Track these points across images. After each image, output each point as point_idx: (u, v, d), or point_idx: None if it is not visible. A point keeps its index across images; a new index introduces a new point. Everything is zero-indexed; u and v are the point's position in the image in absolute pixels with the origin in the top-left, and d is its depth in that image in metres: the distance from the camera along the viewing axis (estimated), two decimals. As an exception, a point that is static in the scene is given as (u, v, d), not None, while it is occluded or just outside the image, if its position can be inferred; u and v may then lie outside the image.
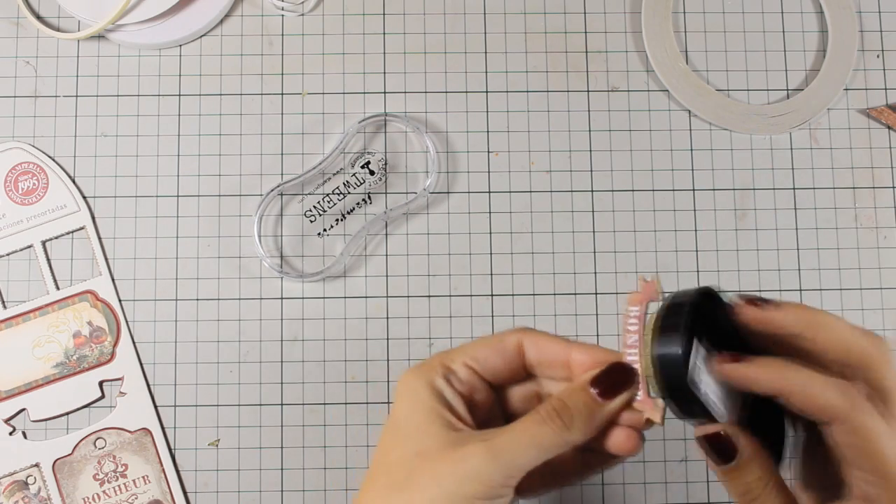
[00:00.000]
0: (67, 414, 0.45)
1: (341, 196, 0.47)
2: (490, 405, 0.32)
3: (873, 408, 0.27)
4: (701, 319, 0.28)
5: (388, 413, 0.32)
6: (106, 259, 0.47)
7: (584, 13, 0.49)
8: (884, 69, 0.49)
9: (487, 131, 0.48)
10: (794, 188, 0.48)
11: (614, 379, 0.29)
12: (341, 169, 0.47)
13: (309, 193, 0.47)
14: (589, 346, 0.31)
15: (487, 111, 0.48)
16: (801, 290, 0.47)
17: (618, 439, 0.31)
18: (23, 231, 0.46)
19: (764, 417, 0.30)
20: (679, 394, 0.28)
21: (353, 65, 0.49)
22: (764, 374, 0.28)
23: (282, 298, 0.47)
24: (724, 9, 0.50)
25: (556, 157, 0.48)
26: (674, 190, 0.48)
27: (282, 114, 0.48)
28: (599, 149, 0.48)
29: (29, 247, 0.46)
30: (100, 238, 0.47)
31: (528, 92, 0.49)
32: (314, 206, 0.47)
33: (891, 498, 0.27)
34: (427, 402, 0.30)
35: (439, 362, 0.31)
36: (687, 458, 0.46)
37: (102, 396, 0.46)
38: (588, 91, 0.49)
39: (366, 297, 0.47)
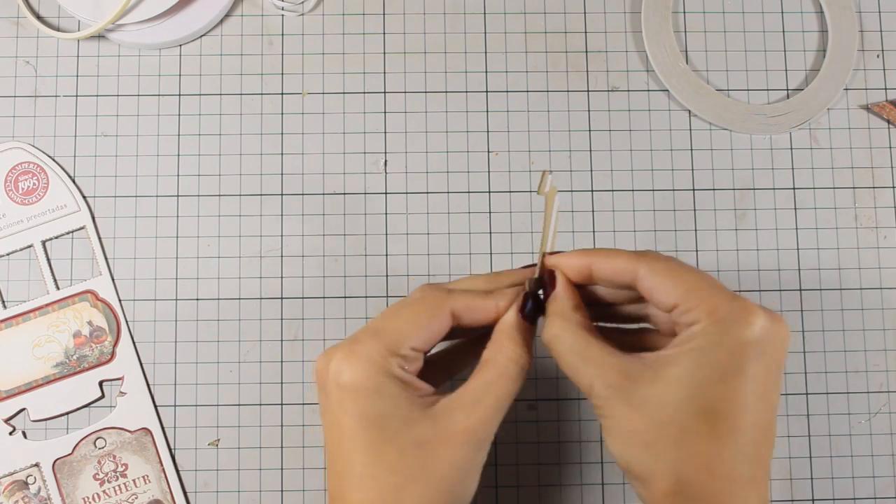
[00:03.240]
0: (67, 414, 0.45)
1: None
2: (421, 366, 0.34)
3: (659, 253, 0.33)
4: None
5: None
6: (106, 259, 0.47)
7: (584, 13, 0.49)
8: (884, 69, 0.49)
9: (487, 131, 0.48)
10: (794, 188, 0.48)
11: (533, 306, 0.33)
12: None
13: None
14: (508, 292, 0.34)
15: (487, 111, 0.48)
16: (801, 289, 0.47)
17: None
18: (23, 231, 0.46)
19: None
20: None
21: (353, 65, 0.49)
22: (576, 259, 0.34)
23: (282, 298, 0.47)
24: (724, 9, 0.50)
25: (556, 157, 0.48)
26: (674, 190, 0.48)
27: (282, 114, 0.48)
28: (599, 149, 0.48)
29: (29, 247, 0.46)
30: (100, 238, 0.47)
31: (528, 92, 0.49)
32: None
33: (710, 305, 0.30)
34: (396, 392, 0.31)
35: (387, 351, 0.31)
36: (687, 458, 0.46)
37: (102, 396, 0.46)
38: (588, 91, 0.49)
39: (366, 297, 0.47)
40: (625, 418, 0.30)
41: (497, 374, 0.32)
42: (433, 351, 0.36)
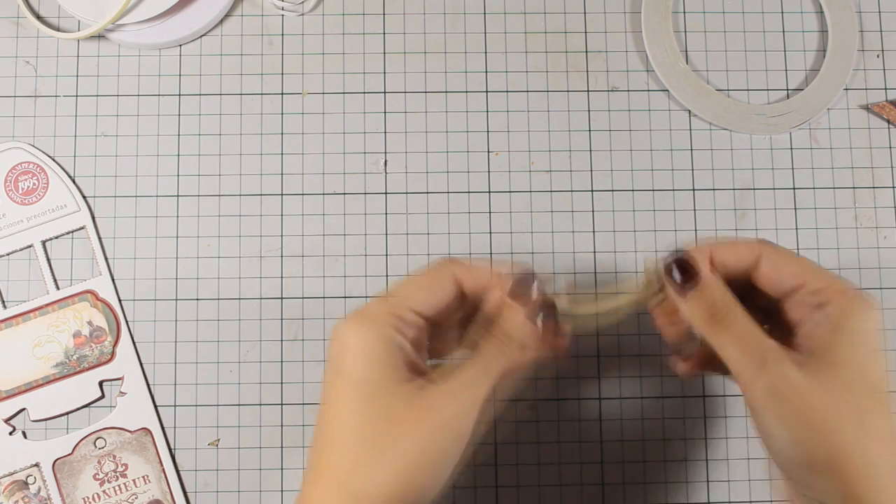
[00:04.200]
0: (67, 414, 0.45)
1: None
2: (424, 339, 0.33)
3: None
4: None
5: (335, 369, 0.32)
6: (106, 259, 0.47)
7: (584, 13, 0.49)
8: (884, 69, 0.49)
9: (487, 131, 0.48)
10: (794, 188, 0.48)
11: (521, 283, 0.33)
12: None
13: None
14: (503, 273, 0.34)
15: (487, 111, 0.48)
16: (801, 290, 0.47)
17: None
18: (23, 231, 0.46)
19: None
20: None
21: (353, 65, 0.49)
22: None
23: (282, 298, 0.47)
24: (724, 9, 0.50)
25: (556, 157, 0.48)
26: (674, 190, 0.48)
27: (282, 114, 0.48)
28: (599, 149, 0.48)
29: (29, 247, 0.46)
30: (100, 238, 0.47)
31: (528, 92, 0.49)
32: None
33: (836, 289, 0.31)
34: (385, 358, 0.31)
35: (386, 312, 0.31)
36: (687, 458, 0.46)
37: (102, 396, 0.46)
38: (588, 91, 0.49)
39: (365, 296, 0.47)
40: (806, 403, 0.30)
41: (481, 363, 0.32)
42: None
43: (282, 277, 0.47)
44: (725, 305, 0.32)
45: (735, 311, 0.32)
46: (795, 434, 0.31)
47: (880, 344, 0.31)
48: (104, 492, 0.45)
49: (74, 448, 0.45)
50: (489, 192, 0.48)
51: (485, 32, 0.49)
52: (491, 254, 0.47)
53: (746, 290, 0.34)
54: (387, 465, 0.30)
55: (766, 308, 0.35)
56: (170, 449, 0.45)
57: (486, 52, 0.49)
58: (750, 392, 0.31)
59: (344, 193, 0.48)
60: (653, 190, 0.48)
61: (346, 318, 0.32)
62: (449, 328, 0.35)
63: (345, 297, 0.47)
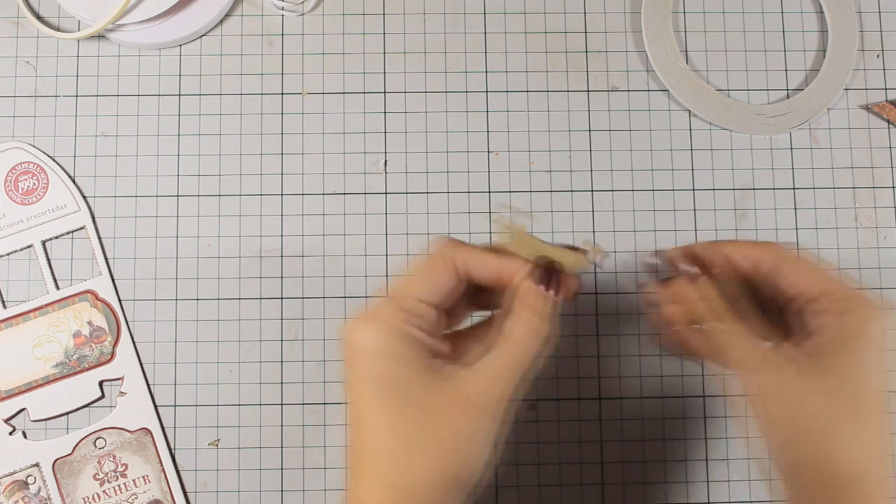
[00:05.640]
0: (67, 414, 0.45)
1: None
2: (439, 324, 0.33)
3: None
4: None
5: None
6: (106, 259, 0.47)
7: (584, 13, 0.49)
8: (884, 69, 0.49)
9: (487, 131, 0.48)
10: (794, 188, 0.48)
11: (550, 273, 0.33)
12: None
13: None
14: (514, 258, 0.34)
15: (487, 111, 0.48)
16: (801, 290, 0.47)
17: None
18: (23, 231, 0.46)
19: None
20: None
21: (353, 65, 0.49)
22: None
23: (282, 298, 0.47)
24: (724, 9, 0.50)
25: (556, 157, 0.48)
26: (674, 190, 0.48)
27: (282, 114, 0.48)
28: (599, 149, 0.48)
29: (29, 247, 0.46)
30: (100, 238, 0.47)
31: (528, 92, 0.49)
32: None
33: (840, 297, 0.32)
34: (401, 351, 0.31)
35: (395, 308, 0.31)
36: (687, 458, 0.46)
37: (102, 396, 0.46)
38: (588, 91, 0.49)
39: (365, 296, 0.47)
40: (799, 406, 0.31)
41: (514, 343, 0.32)
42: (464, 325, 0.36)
43: (282, 277, 0.47)
44: (733, 301, 0.33)
45: (742, 308, 0.33)
46: (786, 436, 0.31)
47: (886, 357, 0.31)
48: (104, 492, 0.45)
49: (74, 448, 0.45)
50: (489, 192, 0.48)
51: (485, 32, 0.49)
52: (491, 254, 0.47)
53: (751, 290, 0.35)
54: (426, 455, 0.30)
55: (769, 309, 0.35)
56: (170, 449, 0.45)
57: (486, 52, 0.49)
58: (748, 390, 0.32)
59: (344, 193, 0.48)
60: (653, 190, 0.48)
61: (354, 320, 0.32)
62: (458, 304, 0.35)
63: (345, 297, 0.47)
